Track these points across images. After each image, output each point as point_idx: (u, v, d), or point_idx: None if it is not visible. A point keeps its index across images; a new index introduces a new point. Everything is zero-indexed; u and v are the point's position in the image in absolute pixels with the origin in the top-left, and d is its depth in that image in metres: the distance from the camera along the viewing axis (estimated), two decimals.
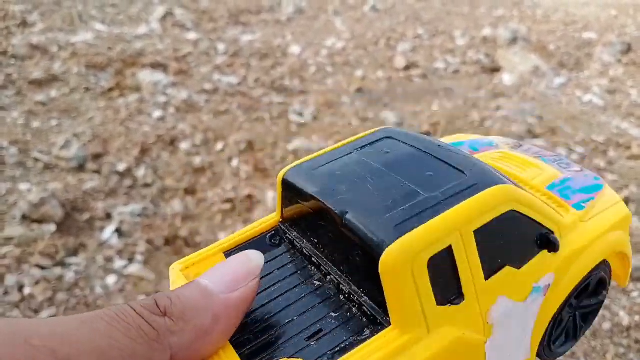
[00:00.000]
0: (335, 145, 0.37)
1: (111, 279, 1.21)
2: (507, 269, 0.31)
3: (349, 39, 2.35)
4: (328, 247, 0.32)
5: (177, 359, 0.27)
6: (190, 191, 1.49)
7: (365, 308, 0.29)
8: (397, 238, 0.27)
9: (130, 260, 1.27)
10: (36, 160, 1.51)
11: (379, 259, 0.27)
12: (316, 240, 0.33)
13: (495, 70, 2.19)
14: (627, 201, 1.55)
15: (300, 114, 1.83)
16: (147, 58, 2.01)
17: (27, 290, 1.16)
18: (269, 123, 1.78)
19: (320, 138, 1.72)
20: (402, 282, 0.27)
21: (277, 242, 0.35)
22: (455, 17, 2.63)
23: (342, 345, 0.28)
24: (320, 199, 0.31)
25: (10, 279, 1.17)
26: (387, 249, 0.27)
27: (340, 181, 0.32)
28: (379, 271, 0.27)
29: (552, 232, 0.33)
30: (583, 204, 0.38)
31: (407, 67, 2.17)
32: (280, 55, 2.18)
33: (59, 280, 1.19)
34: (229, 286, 0.29)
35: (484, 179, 0.31)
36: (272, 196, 1.48)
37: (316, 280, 0.32)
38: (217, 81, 1.96)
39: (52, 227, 1.30)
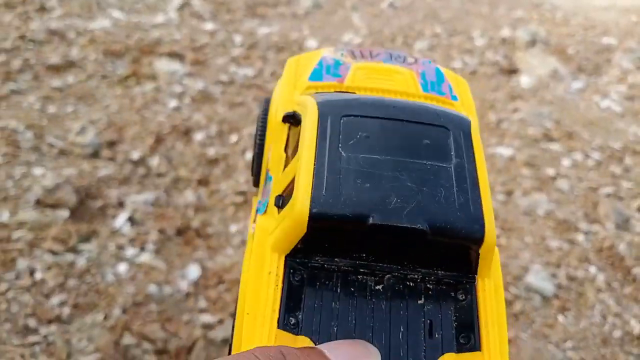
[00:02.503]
0: None
1: (122, 267, 1.21)
2: None
3: (366, 35, 2.34)
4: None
5: None
6: (203, 182, 1.49)
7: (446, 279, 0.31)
8: None
9: (142, 249, 1.27)
10: (51, 145, 1.52)
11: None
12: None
13: (513, 72, 2.17)
14: None
15: None
16: (164, 47, 2.01)
17: (38, 275, 1.16)
18: None
19: None
20: None
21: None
22: (474, 17, 2.61)
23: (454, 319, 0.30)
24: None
25: (22, 263, 1.18)
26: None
27: None
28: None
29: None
30: (454, 93, 0.43)
31: None
32: (297, 48, 2.17)
33: (70, 266, 1.19)
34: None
35: None
36: None
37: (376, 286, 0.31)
38: (233, 73, 1.95)
39: (66, 213, 1.31)
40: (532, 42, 2.34)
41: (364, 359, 0.28)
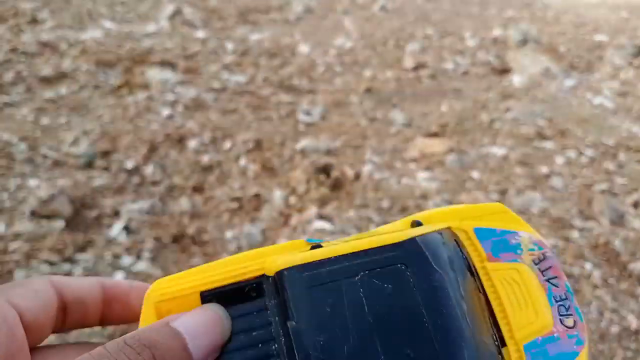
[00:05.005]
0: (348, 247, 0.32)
1: (119, 276, 1.21)
2: None
3: (357, 39, 2.35)
4: None
5: None
6: (198, 189, 1.49)
7: None
8: None
9: (138, 257, 1.27)
10: (45, 156, 1.52)
11: None
12: None
13: (505, 71, 2.18)
14: (636, 205, 1.54)
15: (309, 114, 1.83)
16: (156, 56, 2.01)
17: None
18: (277, 122, 1.78)
19: (329, 137, 1.71)
20: None
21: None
22: (464, 18, 2.62)
23: None
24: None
25: (19, 274, 1.18)
26: None
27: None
28: None
29: None
30: None
31: (416, 68, 2.16)
32: (288, 54, 2.18)
33: (67, 276, 1.19)
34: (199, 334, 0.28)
35: None
36: (279, 195, 1.47)
37: None
38: (226, 80, 1.96)
39: (61, 224, 1.31)
40: (524, 41, 2.36)
41: (216, 327, 0.29)
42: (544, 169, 1.64)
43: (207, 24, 2.33)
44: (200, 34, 2.24)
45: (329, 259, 0.30)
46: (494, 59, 2.25)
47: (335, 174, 1.55)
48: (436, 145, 1.71)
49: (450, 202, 1.50)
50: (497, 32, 2.45)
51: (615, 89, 2.10)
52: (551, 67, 2.21)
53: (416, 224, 0.34)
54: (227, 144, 1.65)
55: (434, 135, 1.77)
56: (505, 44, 2.36)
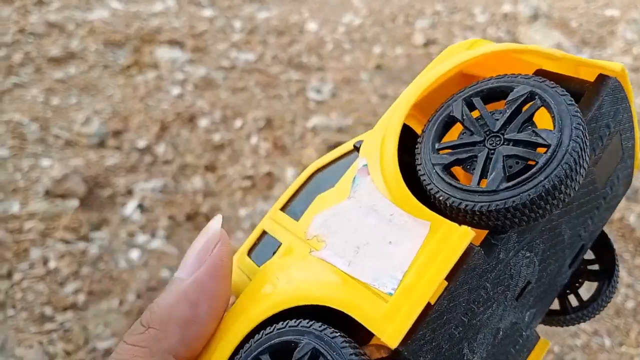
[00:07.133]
0: None
1: (135, 253, 1.22)
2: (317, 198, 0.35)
3: (366, 16, 2.32)
4: None
5: (181, 357, 0.28)
6: (210, 168, 1.49)
7: None
8: None
9: (153, 235, 1.27)
10: (57, 137, 1.52)
11: None
12: None
13: None
14: None
15: (319, 91, 1.82)
16: (164, 35, 2.00)
17: (52, 264, 1.17)
18: (287, 100, 1.77)
19: (339, 115, 1.70)
20: None
21: None
22: None
23: None
24: None
25: (35, 253, 1.18)
26: None
27: None
28: None
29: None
30: None
31: (426, 44, 2.14)
32: (297, 32, 2.16)
33: (83, 254, 1.20)
34: (192, 267, 0.29)
35: None
36: (291, 174, 1.47)
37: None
38: (235, 58, 1.94)
39: (75, 202, 1.31)
40: (534, 17, 2.32)
41: (201, 244, 0.30)
42: None
43: (214, 2, 2.31)
44: (208, 12, 2.22)
45: None
46: (504, 34, 2.22)
47: None
48: None
49: None
50: (507, 7, 2.41)
51: (628, 64, 2.07)
52: (563, 42, 2.19)
53: None
54: (238, 123, 1.65)
55: None
56: (516, 20, 2.32)
